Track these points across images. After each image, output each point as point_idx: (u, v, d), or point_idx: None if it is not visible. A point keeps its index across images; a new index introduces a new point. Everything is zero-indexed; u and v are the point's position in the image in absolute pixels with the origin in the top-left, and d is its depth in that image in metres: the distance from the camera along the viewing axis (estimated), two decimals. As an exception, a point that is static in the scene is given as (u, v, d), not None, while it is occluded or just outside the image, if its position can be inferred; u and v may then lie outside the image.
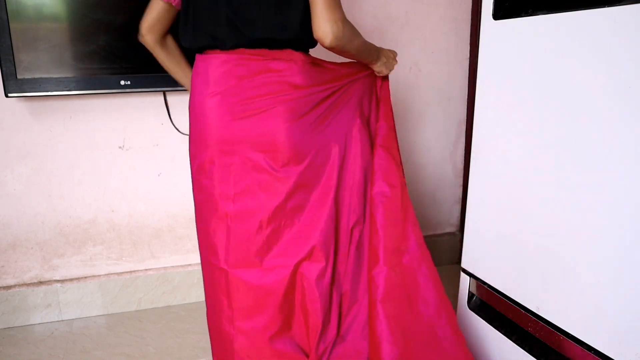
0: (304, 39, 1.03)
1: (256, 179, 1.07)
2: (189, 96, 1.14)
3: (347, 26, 0.99)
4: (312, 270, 1.11)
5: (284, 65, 1.04)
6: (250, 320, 1.12)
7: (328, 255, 1.12)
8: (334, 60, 1.14)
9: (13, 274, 1.68)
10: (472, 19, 1.94)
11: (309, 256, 1.11)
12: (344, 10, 1.00)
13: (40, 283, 1.70)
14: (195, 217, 1.17)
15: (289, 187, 1.07)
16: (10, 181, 1.61)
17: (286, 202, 1.08)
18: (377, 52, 1.15)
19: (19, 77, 1.45)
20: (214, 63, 1.05)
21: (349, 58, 1.11)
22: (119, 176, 1.70)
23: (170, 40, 1.19)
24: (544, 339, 1.03)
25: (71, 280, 1.72)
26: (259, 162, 1.06)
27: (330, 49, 1.00)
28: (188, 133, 1.15)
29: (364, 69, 1.18)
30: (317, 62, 1.09)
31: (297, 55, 1.05)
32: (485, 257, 1.19)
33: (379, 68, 1.17)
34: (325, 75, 1.10)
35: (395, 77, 1.91)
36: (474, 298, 1.25)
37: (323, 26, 0.97)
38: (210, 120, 1.06)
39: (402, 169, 1.18)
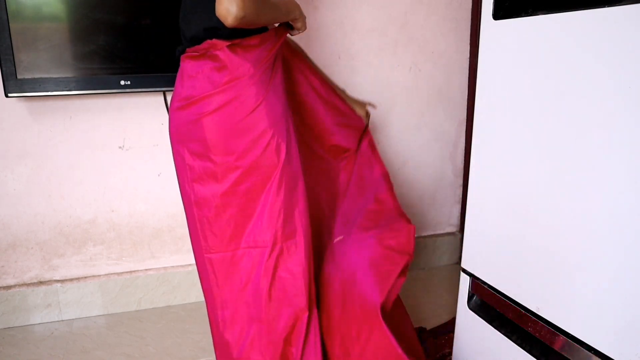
0: (220, 26, 0.99)
1: (202, 166, 1.09)
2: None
3: (248, 3, 0.91)
4: (264, 254, 1.12)
5: (210, 58, 1.04)
6: (226, 309, 1.13)
7: (294, 235, 1.13)
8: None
9: (13, 274, 1.68)
10: (472, 19, 1.94)
11: (274, 241, 1.11)
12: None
13: (40, 283, 1.70)
14: None
15: (230, 175, 1.08)
16: (10, 181, 1.61)
17: (234, 188, 1.08)
18: (296, 8, 1.11)
19: (19, 77, 1.45)
20: (179, 67, 1.12)
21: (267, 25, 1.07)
22: (119, 176, 1.70)
23: None
24: (544, 339, 1.03)
25: (71, 280, 1.72)
26: (198, 150, 1.08)
27: (236, 27, 0.94)
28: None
29: (281, 34, 1.13)
30: (239, 45, 1.04)
31: (221, 45, 1.02)
32: (485, 257, 1.19)
33: (300, 24, 1.15)
34: (251, 54, 1.05)
35: (395, 77, 1.91)
36: (474, 298, 1.25)
37: (220, 5, 0.90)
38: (169, 116, 1.13)
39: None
